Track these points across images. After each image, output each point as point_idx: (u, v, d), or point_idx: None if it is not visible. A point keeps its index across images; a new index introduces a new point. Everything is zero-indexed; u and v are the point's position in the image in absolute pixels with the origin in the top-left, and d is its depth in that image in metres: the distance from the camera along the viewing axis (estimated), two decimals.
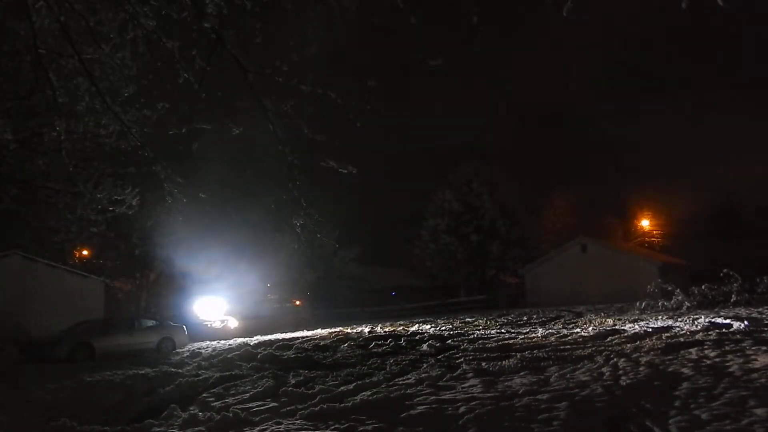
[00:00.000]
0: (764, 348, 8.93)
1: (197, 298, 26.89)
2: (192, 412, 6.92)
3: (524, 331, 15.57)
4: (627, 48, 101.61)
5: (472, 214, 40.96)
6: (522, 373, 8.22)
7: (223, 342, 18.89)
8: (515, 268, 40.36)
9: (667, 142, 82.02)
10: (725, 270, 20.42)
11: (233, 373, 10.42)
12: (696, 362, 8.09)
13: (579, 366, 8.54)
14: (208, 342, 19.43)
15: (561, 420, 5.42)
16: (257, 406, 7.13)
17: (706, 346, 9.67)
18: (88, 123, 9.30)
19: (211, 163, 26.89)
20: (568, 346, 11.12)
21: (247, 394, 8.00)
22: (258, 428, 6.04)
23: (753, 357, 8.16)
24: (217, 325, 24.95)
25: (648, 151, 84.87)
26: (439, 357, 10.89)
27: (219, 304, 26.88)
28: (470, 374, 8.44)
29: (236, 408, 6.98)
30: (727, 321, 13.84)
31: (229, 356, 12.86)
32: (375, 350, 12.90)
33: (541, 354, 10.31)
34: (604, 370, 7.98)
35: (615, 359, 8.91)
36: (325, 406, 6.51)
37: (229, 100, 5.95)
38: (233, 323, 25.61)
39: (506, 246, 40.72)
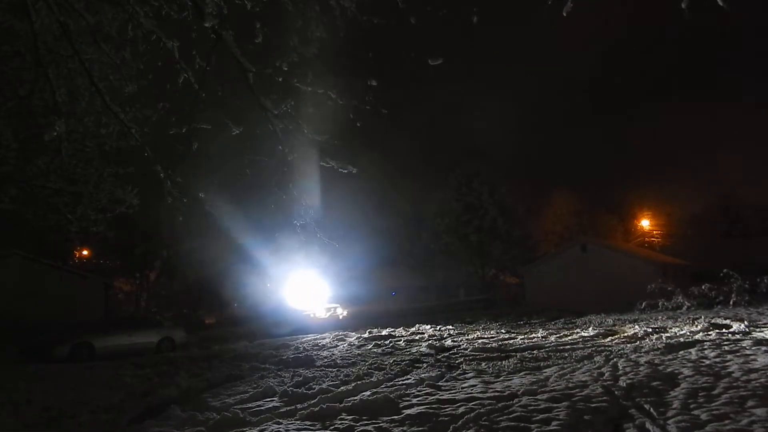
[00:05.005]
0: (764, 348, 8.94)
1: (292, 286, 23.01)
2: (192, 412, 6.93)
3: (524, 331, 15.57)
4: (627, 48, 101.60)
5: (472, 214, 40.95)
6: (522, 374, 8.22)
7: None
8: (515, 268, 40.36)
9: (667, 142, 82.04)
10: (725, 270, 20.43)
11: (233, 373, 10.43)
12: (696, 362, 8.10)
13: (579, 366, 8.55)
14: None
15: (560, 420, 5.42)
16: (257, 406, 7.13)
17: (705, 346, 9.68)
18: (88, 123, 9.28)
19: (211, 162, 26.76)
20: (568, 347, 11.12)
21: (247, 394, 8.00)
22: (258, 428, 6.04)
23: (753, 357, 8.17)
24: (322, 314, 21.52)
25: (648, 151, 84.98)
26: (438, 357, 10.89)
27: (320, 290, 23.06)
28: (470, 374, 8.44)
29: (236, 408, 6.99)
30: (727, 321, 13.85)
31: (228, 356, 12.88)
32: (375, 350, 12.90)
33: (540, 354, 10.32)
34: (604, 370, 7.99)
35: (615, 359, 8.92)
36: (324, 406, 6.51)
37: (229, 100, 5.95)
38: (341, 312, 22.00)
39: (506, 246, 40.71)
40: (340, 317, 21.92)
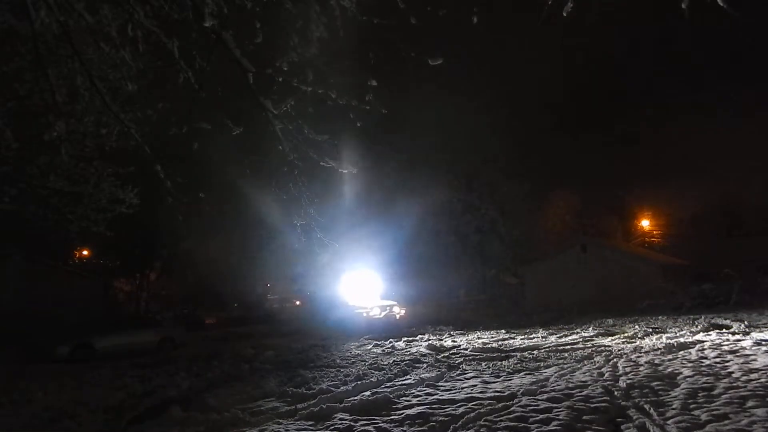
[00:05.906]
0: (764, 348, 8.93)
1: (343, 278, 20.66)
2: (192, 412, 6.93)
3: (524, 331, 15.58)
4: (629, 48, 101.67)
5: (472, 214, 40.98)
6: (521, 374, 8.22)
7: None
8: (515, 268, 40.39)
9: (668, 143, 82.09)
10: (725, 270, 20.45)
11: (234, 373, 10.43)
12: (696, 362, 8.09)
13: (579, 366, 8.55)
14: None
15: (560, 421, 5.41)
16: (257, 406, 7.13)
17: (705, 346, 9.67)
18: (88, 123, 9.28)
19: (211, 162, 26.71)
20: (568, 347, 11.12)
21: (247, 394, 8.00)
22: (258, 428, 6.04)
23: (753, 357, 8.16)
24: (377, 312, 18.97)
25: (648, 151, 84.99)
26: (438, 357, 10.89)
27: (373, 285, 20.48)
28: (470, 374, 8.44)
29: (236, 408, 6.99)
30: (727, 321, 13.85)
31: (228, 356, 12.88)
32: (374, 350, 12.90)
33: (540, 354, 10.32)
34: (603, 370, 7.98)
35: (615, 359, 8.92)
36: (324, 406, 6.51)
37: (229, 100, 5.94)
38: (398, 311, 19.50)
39: (506, 246, 40.74)
40: (398, 317, 19.34)
